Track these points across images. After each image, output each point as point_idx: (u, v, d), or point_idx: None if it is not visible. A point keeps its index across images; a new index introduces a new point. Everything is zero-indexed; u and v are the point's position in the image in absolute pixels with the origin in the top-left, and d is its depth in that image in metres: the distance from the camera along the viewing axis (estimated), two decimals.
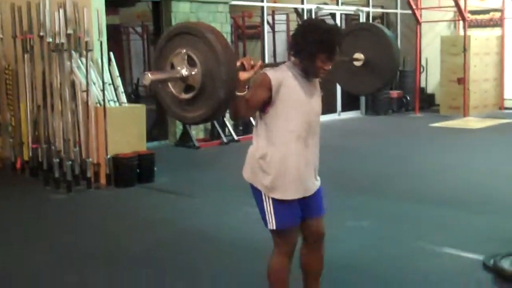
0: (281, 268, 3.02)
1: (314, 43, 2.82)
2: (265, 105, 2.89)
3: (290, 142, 2.91)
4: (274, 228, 2.97)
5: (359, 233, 4.87)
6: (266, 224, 2.99)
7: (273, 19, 15.72)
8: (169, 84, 2.76)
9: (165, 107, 2.83)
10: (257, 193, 2.99)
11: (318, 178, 3.11)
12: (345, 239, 4.65)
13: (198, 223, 5.37)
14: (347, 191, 5.99)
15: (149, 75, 2.62)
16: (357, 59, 3.65)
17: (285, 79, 2.88)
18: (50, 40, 6.83)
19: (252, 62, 2.79)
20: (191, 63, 2.65)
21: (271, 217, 2.96)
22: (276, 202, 2.94)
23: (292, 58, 2.96)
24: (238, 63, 2.73)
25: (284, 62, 3.02)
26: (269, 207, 2.96)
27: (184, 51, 2.66)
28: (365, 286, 3.78)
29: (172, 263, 4.42)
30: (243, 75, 2.74)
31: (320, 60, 2.85)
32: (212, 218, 5.55)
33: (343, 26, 14.29)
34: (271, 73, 2.88)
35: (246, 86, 2.80)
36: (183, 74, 2.66)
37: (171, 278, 4.10)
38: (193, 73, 2.64)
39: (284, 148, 2.90)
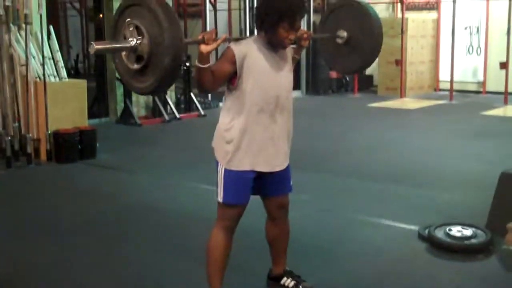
0: (217, 246, 3.04)
1: (274, 13, 2.85)
2: (231, 78, 2.91)
3: (253, 115, 2.93)
4: (220, 200, 3.02)
5: (299, 206, 4.96)
6: (216, 195, 3.04)
7: None
8: (123, 56, 2.79)
9: (121, 78, 2.89)
10: (216, 164, 3.03)
11: (287, 158, 3.12)
12: None
13: (139, 196, 5.41)
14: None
15: (94, 44, 2.65)
16: (339, 37, 3.61)
17: (250, 52, 2.90)
18: None
19: (211, 35, 2.77)
20: (139, 33, 2.69)
21: (221, 189, 3.00)
22: (229, 175, 2.98)
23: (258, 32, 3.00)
24: (200, 36, 2.74)
25: (250, 36, 3.04)
26: (221, 180, 3.00)
27: (132, 22, 2.71)
28: (306, 256, 3.90)
29: (115, 231, 4.49)
30: (205, 48, 2.75)
31: (283, 29, 2.87)
32: (153, 192, 5.59)
33: None
34: (235, 46, 2.90)
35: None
36: (131, 44, 2.70)
37: (115, 245, 4.17)
38: (139, 41, 2.68)
39: (246, 121, 2.93)
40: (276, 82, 2.98)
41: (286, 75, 3.05)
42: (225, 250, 3.07)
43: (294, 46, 3.19)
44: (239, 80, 2.91)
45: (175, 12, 13.43)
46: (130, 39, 2.70)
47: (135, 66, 2.75)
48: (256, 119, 2.94)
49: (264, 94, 2.94)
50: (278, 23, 2.86)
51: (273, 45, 2.97)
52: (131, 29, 2.71)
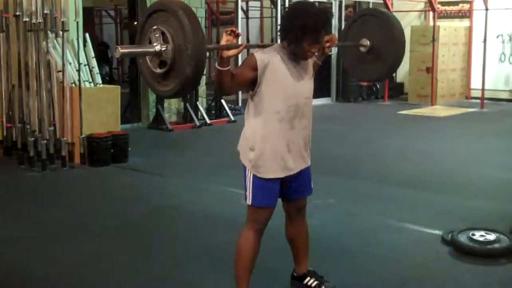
0: (246, 247, 3.13)
1: (299, 27, 2.90)
2: (252, 85, 3.00)
3: (273, 122, 3.01)
4: (250, 203, 3.11)
5: (327, 210, 5.07)
6: (245, 198, 3.14)
7: (247, 5, 15.85)
8: (147, 59, 2.90)
9: (144, 80, 2.98)
10: (243, 168, 3.14)
11: (308, 160, 3.23)
12: (313, 214, 4.82)
13: (170, 199, 5.54)
14: (317, 172, 6.16)
15: (120, 48, 2.74)
16: (362, 45, 3.64)
17: (272, 61, 2.98)
18: (26, 19, 6.88)
19: (231, 37, 2.82)
20: (165, 39, 2.77)
21: (250, 192, 3.10)
22: (256, 180, 3.08)
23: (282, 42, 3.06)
24: (223, 41, 2.79)
25: (271, 45, 3.10)
26: (249, 183, 3.10)
27: (158, 27, 2.79)
28: (331, 258, 3.99)
29: (148, 233, 4.63)
30: (226, 53, 2.81)
31: (307, 43, 2.94)
32: (184, 195, 5.72)
33: None
34: (258, 54, 2.98)
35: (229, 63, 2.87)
36: (156, 49, 2.78)
37: (147, 247, 4.30)
38: (164, 48, 2.76)
39: (267, 128, 3.02)
40: (296, 90, 3.06)
41: (306, 84, 3.11)
42: (254, 252, 3.16)
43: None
44: (259, 87, 2.99)
45: (207, 19, 13.49)
46: (155, 44, 2.78)
47: (158, 70, 2.84)
48: (276, 126, 3.02)
49: (284, 102, 3.01)
50: (303, 37, 2.92)
51: (295, 55, 3.03)
52: (157, 34, 2.79)
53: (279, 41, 3.11)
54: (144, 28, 2.91)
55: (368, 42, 3.62)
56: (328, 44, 3.24)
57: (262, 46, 3.10)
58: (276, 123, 3.02)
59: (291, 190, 3.23)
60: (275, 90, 2.99)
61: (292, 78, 3.03)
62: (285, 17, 3.02)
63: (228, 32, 2.83)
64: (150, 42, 2.83)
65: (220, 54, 2.82)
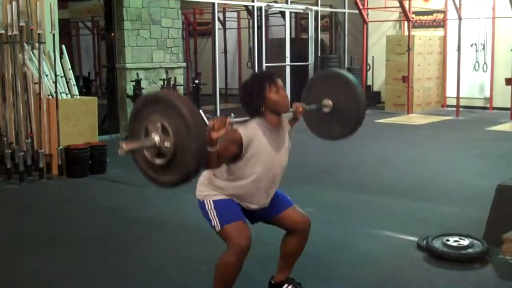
0: (228, 268, 3.06)
1: (254, 86, 3.09)
2: (234, 157, 3.07)
3: (243, 185, 3.12)
4: (220, 227, 3.10)
5: None
6: (214, 229, 3.14)
7: (224, 16, 15.93)
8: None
9: (139, 168, 2.85)
10: (201, 205, 3.18)
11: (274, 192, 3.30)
12: None
13: (148, 210, 5.56)
14: (294, 181, 6.24)
15: (124, 145, 2.65)
16: (325, 105, 3.69)
17: (255, 137, 3.07)
18: (2, 32, 6.87)
19: (221, 123, 2.86)
20: (164, 131, 2.68)
21: (215, 218, 3.11)
22: (217, 203, 3.13)
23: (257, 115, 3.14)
24: (210, 124, 2.82)
25: (251, 119, 3.15)
26: (211, 210, 3.13)
27: (159, 119, 2.68)
28: (308, 266, 4.01)
29: (124, 244, 4.63)
30: (216, 134, 2.84)
31: (271, 92, 3.07)
32: (161, 205, 5.73)
33: (293, 24, 14.61)
34: (242, 130, 3.04)
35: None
36: (156, 143, 2.69)
37: (124, 257, 4.31)
38: (165, 142, 2.67)
39: (235, 187, 3.12)
40: (275, 161, 3.17)
41: (284, 153, 3.24)
42: (236, 272, 3.11)
43: (290, 119, 3.37)
44: (240, 160, 3.08)
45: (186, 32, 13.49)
46: (154, 135, 2.69)
47: (157, 162, 2.74)
48: (245, 187, 3.13)
49: (261, 172, 3.11)
50: (263, 89, 3.07)
51: (276, 112, 3.12)
52: (155, 125, 2.69)
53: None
54: (139, 116, 2.79)
55: (330, 102, 3.68)
56: (300, 110, 3.37)
57: (246, 121, 3.13)
58: (246, 185, 3.13)
59: (266, 213, 3.29)
60: (255, 162, 3.09)
61: (272, 150, 3.14)
62: (242, 95, 3.14)
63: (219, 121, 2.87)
64: (147, 132, 2.72)
65: (209, 136, 2.81)
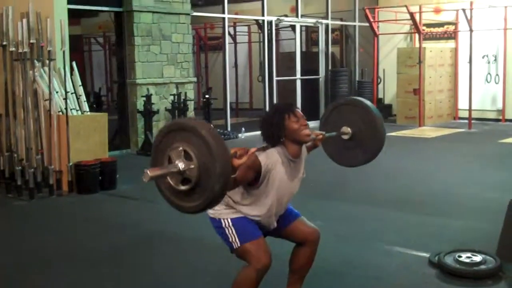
0: (246, 284, 3.06)
1: (274, 117, 3.11)
2: (250, 183, 3.10)
3: (258, 212, 3.15)
4: (239, 245, 3.10)
5: None
6: (232, 248, 3.13)
7: (235, 30, 15.97)
8: (167, 177, 2.80)
9: (164, 196, 2.86)
10: (216, 223, 3.18)
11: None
12: None
13: (158, 225, 5.53)
14: (304, 195, 6.20)
15: (149, 172, 2.66)
16: (344, 133, 3.74)
17: (274, 166, 3.10)
18: (13, 49, 6.91)
19: (243, 151, 2.92)
20: (187, 157, 2.71)
21: (234, 237, 3.11)
22: (236, 220, 3.13)
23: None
24: (232, 151, 2.85)
25: (271, 147, 3.17)
26: (230, 228, 3.13)
27: (181, 146, 2.72)
28: (319, 281, 3.98)
29: (136, 260, 4.60)
30: (237, 162, 2.87)
31: (291, 122, 3.10)
32: (172, 220, 5.68)
33: (303, 38, 14.61)
34: (262, 158, 3.07)
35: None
36: (180, 168, 2.71)
37: (137, 274, 4.28)
38: (190, 167, 2.70)
39: (250, 212, 3.14)
40: (289, 190, 3.22)
41: (297, 183, 3.28)
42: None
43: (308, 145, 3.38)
44: (257, 185, 3.11)
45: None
46: (177, 162, 2.71)
47: (182, 188, 2.75)
48: (259, 211, 3.16)
49: (275, 200, 3.15)
50: (283, 120, 3.10)
51: (298, 144, 3.16)
52: (178, 152, 2.73)
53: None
54: (161, 146, 2.82)
55: (350, 129, 3.70)
56: (320, 137, 3.41)
57: (265, 148, 3.16)
58: (260, 211, 3.16)
59: (277, 228, 3.30)
60: (272, 190, 3.13)
61: (288, 179, 3.19)
62: (262, 126, 3.17)
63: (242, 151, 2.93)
64: (170, 160, 2.75)
65: (232, 164, 2.80)
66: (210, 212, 3.19)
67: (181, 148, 2.70)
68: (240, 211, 3.15)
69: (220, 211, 3.17)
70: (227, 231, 3.13)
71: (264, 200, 3.14)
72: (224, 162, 2.64)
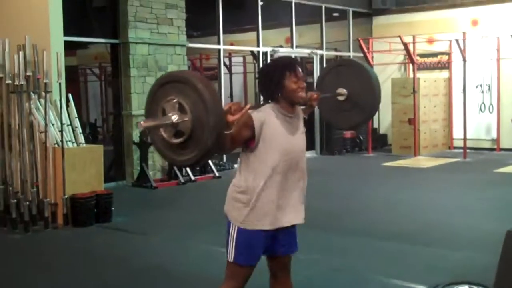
0: None
1: (275, 73, 3.05)
2: (248, 142, 3.05)
3: (268, 177, 3.05)
4: (231, 260, 3.10)
5: (311, 266, 5.05)
6: (227, 254, 3.12)
7: (230, 61, 16.05)
8: (160, 129, 2.85)
9: (157, 149, 2.91)
10: (228, 224, 3.14)
11: (302, 215, 3.24)
12: (297, 270, 4.78)
13: (152, 259, 5.49)
14: (301, 226, 6.19)
15: (142, 122, 2.73)
16: (340, 94, 3.74)
17: (267, 119, 3.06)
18: (9, 82, 6.93)
19: (238, 106, 2.89)
20: (181, 110, 2.74)
21: (232, 249, 3.09)
22: (241, 236, 3.08)
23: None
24: (226, 107, 2.84)
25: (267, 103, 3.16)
26: (232, 240, 3.10)
27: (176, 99, 2.75)
28: None
29: None
30: (232, 118, 2.85)
31: (290, 81, 3.05)
32: (166, 254, 5.68)
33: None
34: (254, 114, 3.05)
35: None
36: (174, 120, 2.75)
37: None
38: (183, 119, 2.73)
39: (262, 183, 3.05)
40: (291, 145, 3.13)
41: (300, 137, 3.20)
42: None
43: (303, 107, 3.34)
44: (257, 144, 3.05)
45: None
46: (171, 114, 2.74)
47: (175, 140, 2.79)
48: (271, 181, 3.06)
49: (280, 157, 3.07)
50: (283, 77, 3.04)
51: (291, 102, 3.11)
52: (172, 104, 2.75)
53: (261, 97, 3.17)
54: (155, 98, 2.86)
55: (345, 90, 3.70)
56: (315, 96, 3.38)
57: (258, 106, 3.14)
58: (271, 177, 3.06)
59: (278, 244, 3.20)
60: (272, 146, 3.06)
61: (287, 133, 3.11)
62: (260, 79, 3.14)
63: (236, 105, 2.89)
64: (164, 112, 2.79)
65: (226, 119, 2.83)
66: (226, 207, 3.15)
67: (176, 100, 2.71)
68: (254, 197, 3.04)
69: (232, 212, 3.10)
70: (230, 238, 3.11)
71: (268, 158, 3.04)
72: (218, 116, 2.65)
